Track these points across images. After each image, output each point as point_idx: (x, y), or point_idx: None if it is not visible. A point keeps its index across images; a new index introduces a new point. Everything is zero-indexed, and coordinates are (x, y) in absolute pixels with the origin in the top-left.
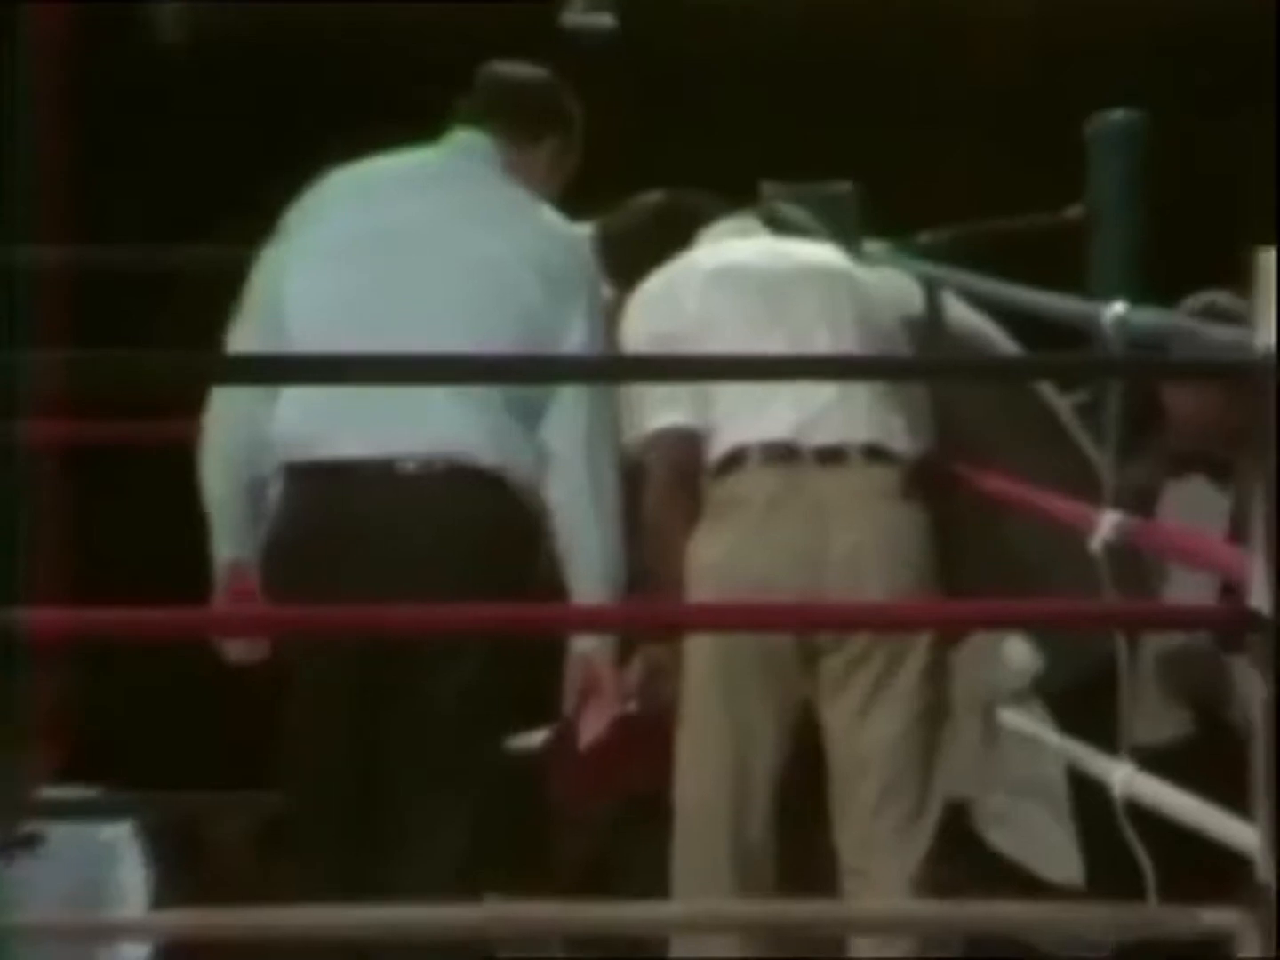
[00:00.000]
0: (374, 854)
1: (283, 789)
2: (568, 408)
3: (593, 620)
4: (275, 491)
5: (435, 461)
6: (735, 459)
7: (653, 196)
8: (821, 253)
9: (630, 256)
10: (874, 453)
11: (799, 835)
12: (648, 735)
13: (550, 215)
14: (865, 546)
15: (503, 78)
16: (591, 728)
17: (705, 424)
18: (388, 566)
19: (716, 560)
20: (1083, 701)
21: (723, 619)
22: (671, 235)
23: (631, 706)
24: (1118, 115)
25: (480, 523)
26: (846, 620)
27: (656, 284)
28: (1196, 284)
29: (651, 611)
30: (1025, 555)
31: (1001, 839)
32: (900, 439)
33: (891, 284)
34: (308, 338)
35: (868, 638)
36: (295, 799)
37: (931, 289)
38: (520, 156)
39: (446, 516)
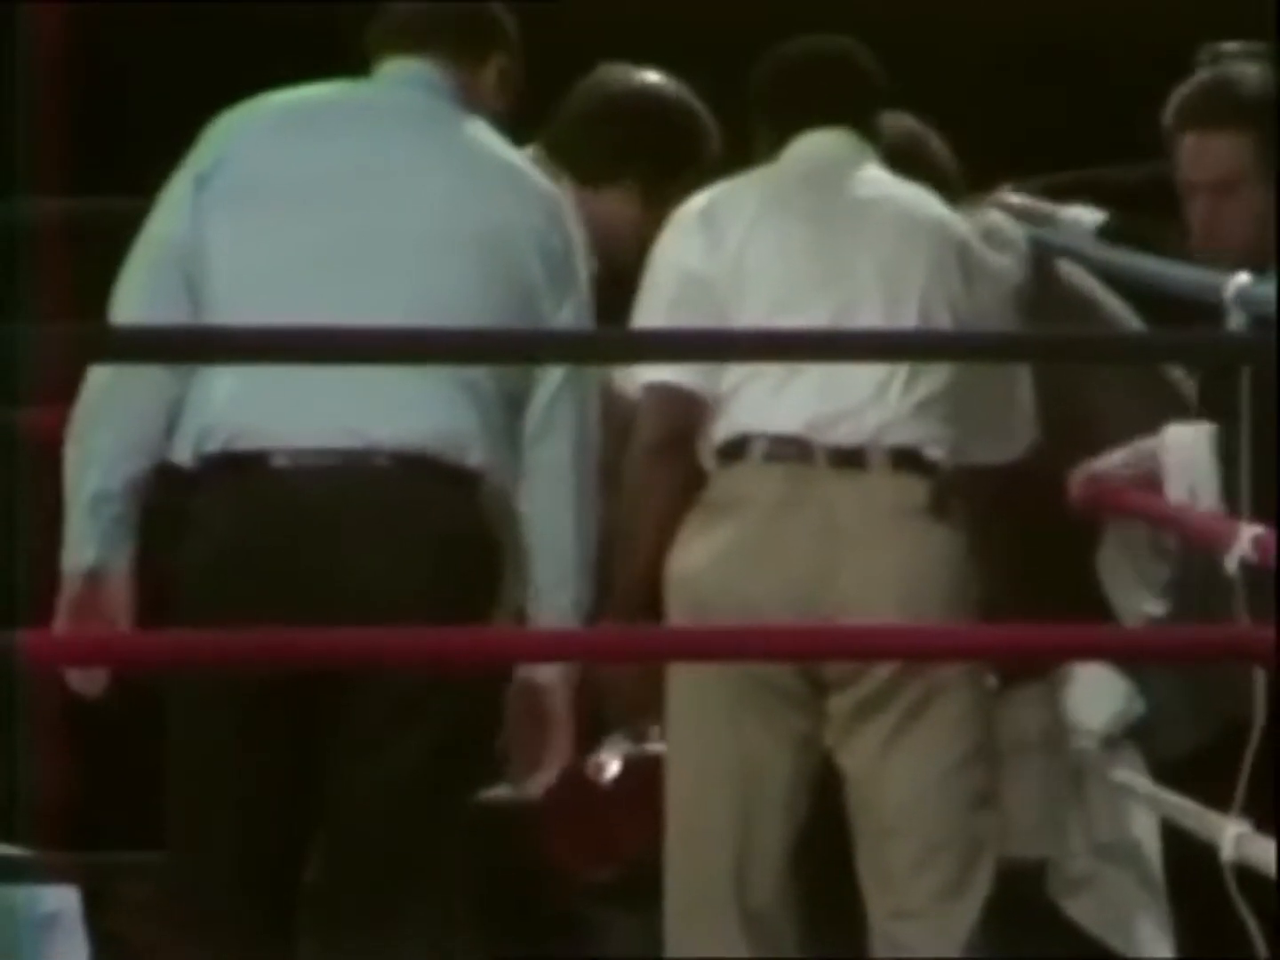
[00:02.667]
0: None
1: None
2: (556, 409)
3: (553, 648)
4: (191, 485)
5: (412, 456)
6: (736, 448)
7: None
8: (914, 200)
9: (585, 151)
10: (904, 459)
11: (823, 899)
12: (646, 784)
13: (535, 172)
14: (880, 576)
15: None
16: (547, 773)
17: (710, 389)
18: (348, 582)
19: (697, 571)
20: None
21: (708, 646)
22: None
23: (629, 751)
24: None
25: (461, 535)
26: (860, 648)
27: (699, 206)
28: None
29: (623, 638)
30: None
31: (1080, 910)
32: (942, 444)
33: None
34: (238, 301)
35: (887, 673)
36: (195, 868)
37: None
38: (468, 80)
39: (423, 523)
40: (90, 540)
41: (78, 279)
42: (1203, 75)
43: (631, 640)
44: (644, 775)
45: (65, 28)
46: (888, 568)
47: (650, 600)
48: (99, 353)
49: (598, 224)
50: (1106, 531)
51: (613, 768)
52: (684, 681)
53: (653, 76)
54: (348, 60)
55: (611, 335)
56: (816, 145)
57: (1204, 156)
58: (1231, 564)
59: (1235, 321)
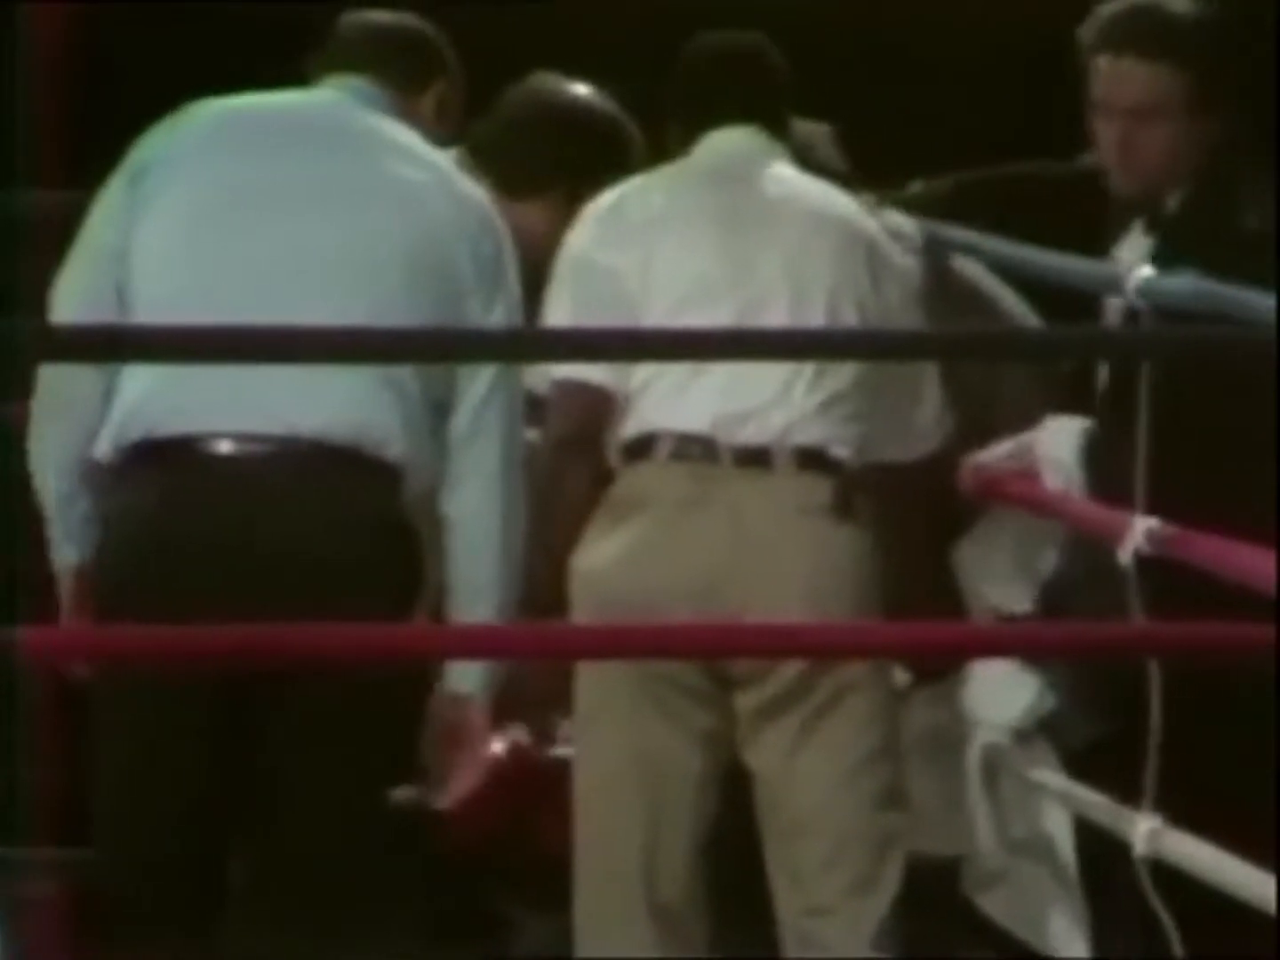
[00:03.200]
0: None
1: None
2: (485, 412)
3: (461, 644)
4: (111, 477)
5: (332, 445)
6: (643, 447)
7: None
8: (823, 197)
9: (511, 160)
10: (809, 458)
11: (735, 895)
12: (546, 781)
13: (470, 182)
14: (786, 574)
15: (378, 24)
16: (462, 783)
17: (620, 385)
18: (264, 573)
19: (603, 569)
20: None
21: (616, 644)
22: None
23: (519, 746)
24: None
25: (379, 525)
26: (765, 646)
27: (608, 202)
28: None
29: (533, 635)
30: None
31: (994, 906)
32: (848, 443)
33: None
34: (160, 309)
35: (794, 671)
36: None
37: (936, 247)
38: (407, 104)
39: (341, 511)
40: (67, 540)
41: None
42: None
43: (540, 637)
44: (529, 763)
45: (65, 26)
46: (793, 566)
47: (560, 597)
48: (83, 350)
49: (520, 232)
50: (976, 524)
51: (497, 748)
52: (589, 679)
53: (582, 88)
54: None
55: (528, 335)
56: (725, 142)
57: (1122, 81)
58: (1125, 557)
59: (1111, 314)
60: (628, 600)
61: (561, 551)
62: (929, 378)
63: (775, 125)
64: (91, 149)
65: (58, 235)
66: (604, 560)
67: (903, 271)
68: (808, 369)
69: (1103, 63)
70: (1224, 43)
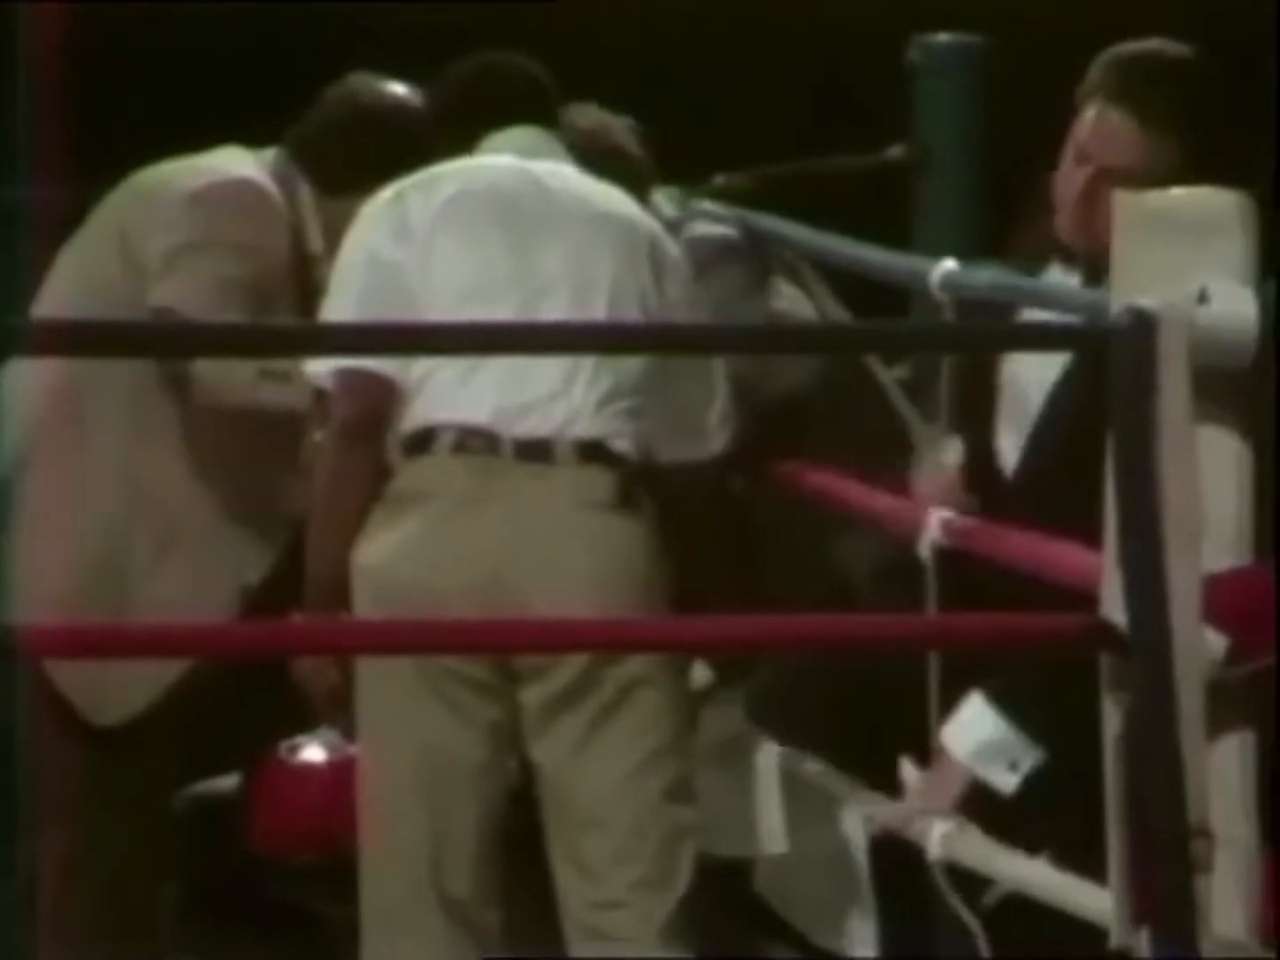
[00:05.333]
0: None
1: None
2: None
3: (243, 641)
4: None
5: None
6: (423, 440)
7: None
8: (603, 195)
9: (331, 159)
10: (590, 452)
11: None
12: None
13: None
14: (567, 569)
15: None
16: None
17: (401, 375)
18: None
19: (384, 563)
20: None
21: (399, 639)
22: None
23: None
24: (946, 38)
25: None
26: (547, 641)
27: (388, 196)
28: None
29: (313, 630)
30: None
31: (786, 906)
32: (629, 437)
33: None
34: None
35: (580, 667)
36: None
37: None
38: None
39: None
40: None
41: None
42: (1141, 48)
43: (321, 633)
44: (343, 762)
45: (65, 24)
46: (574, 560)
47: (342, 591)
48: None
49: (338, 231)
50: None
51: (309, 751)
52: (371, 672)
53: (398, 88)
54: (346, 61)
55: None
56: (506, 140)
57: (1111, 135)
58: (924, 550)
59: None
60: (409, 595)
61: (346, 544)
62: (717, 379)
63: (551, 126)
64: (90, 147)
65: (57, 231)
66: (384, 555)
67: (682, 268)
68: (588, 363)
69: (1094, 108)
70: (1223, 107)
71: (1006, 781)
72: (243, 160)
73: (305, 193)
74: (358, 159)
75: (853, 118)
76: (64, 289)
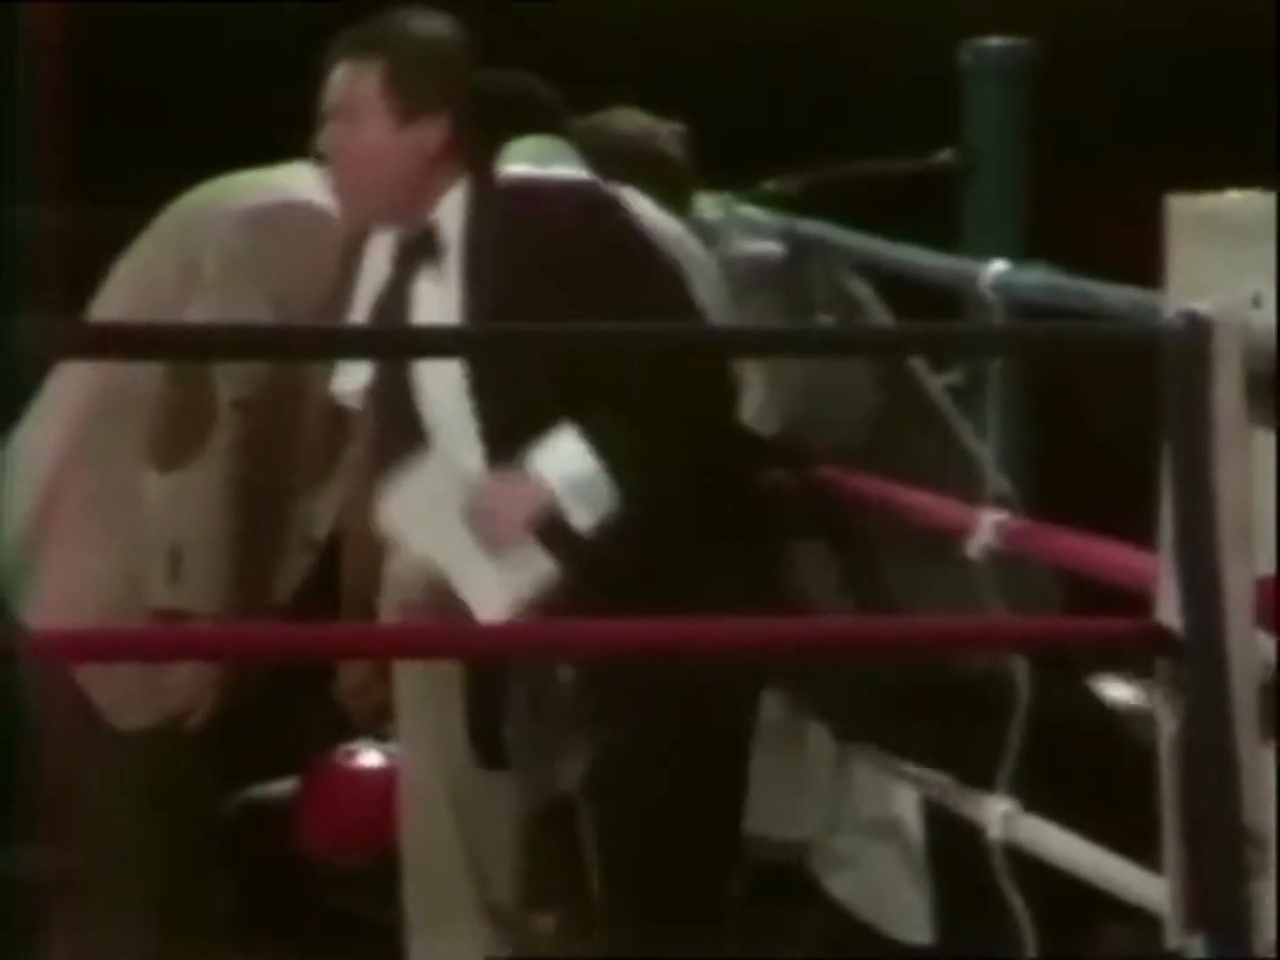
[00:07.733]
0: None
1: None
2: None
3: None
4: None
5: None
6: None
7: None
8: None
9: None
10: None
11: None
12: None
13: None
14: None
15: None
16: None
17: None
18: None
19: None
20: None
21: (418, 643)
22: None
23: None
24: (998, 42)
25: None
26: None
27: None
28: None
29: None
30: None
31: (842, 888)
32: None
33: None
34: None
35: None
36: None
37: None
38: None
39: None
40: None
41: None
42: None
43: (331, 638)
44: (393, 769)
45: (65, 30)
46: None
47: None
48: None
49: None
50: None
51: (366, 756)
52: (409, 678)
53: None
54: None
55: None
56: (519, 151)
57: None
58: (974, 551)
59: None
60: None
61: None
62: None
63: (558, 133)
64: (90, 164)
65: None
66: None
67: (711, 270)
68: None
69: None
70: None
71: (583, 519)
72: (306, 178)
73: None
74: None
75: (894, 122)
76: (119, 296)
